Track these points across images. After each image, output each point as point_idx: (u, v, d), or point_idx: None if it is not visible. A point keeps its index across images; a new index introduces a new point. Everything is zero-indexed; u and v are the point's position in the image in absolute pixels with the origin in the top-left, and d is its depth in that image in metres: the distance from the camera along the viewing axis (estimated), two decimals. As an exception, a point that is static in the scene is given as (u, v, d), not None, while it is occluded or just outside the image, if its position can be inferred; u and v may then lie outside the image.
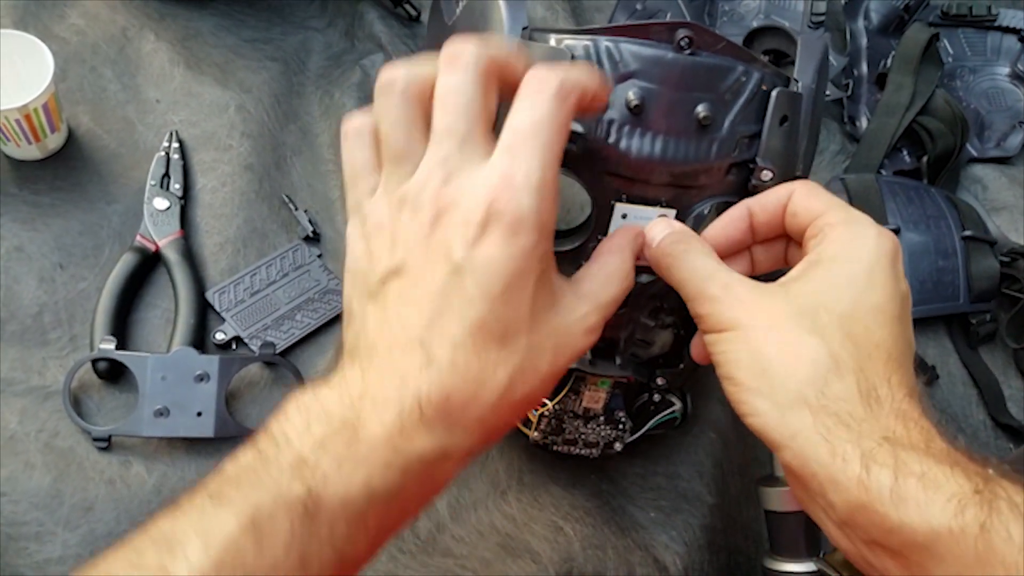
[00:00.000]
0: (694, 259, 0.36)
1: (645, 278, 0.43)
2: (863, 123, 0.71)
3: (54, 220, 0.56)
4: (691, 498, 0.53)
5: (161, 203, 0.57)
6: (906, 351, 0.34)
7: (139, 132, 0.60)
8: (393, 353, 0.32)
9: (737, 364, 0.33)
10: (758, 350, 0.33)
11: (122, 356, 0.51)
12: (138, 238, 0.56)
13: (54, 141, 0.57)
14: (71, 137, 0.59)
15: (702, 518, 0.52)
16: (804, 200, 0.37)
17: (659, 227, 0.39)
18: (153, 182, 0.58)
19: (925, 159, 0.70)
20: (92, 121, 0.60)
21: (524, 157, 0.31)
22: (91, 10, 0.63)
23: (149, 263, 0.56)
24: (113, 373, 0.52)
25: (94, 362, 0.52)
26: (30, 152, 0.56)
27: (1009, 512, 0.28)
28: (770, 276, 0.37)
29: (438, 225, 0.32)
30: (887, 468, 0.29)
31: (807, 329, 0.33)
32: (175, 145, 0.59)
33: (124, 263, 0.55)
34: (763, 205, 0.39)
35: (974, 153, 0.73)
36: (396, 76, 0.33)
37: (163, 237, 0.56)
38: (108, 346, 0.51)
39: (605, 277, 0.36)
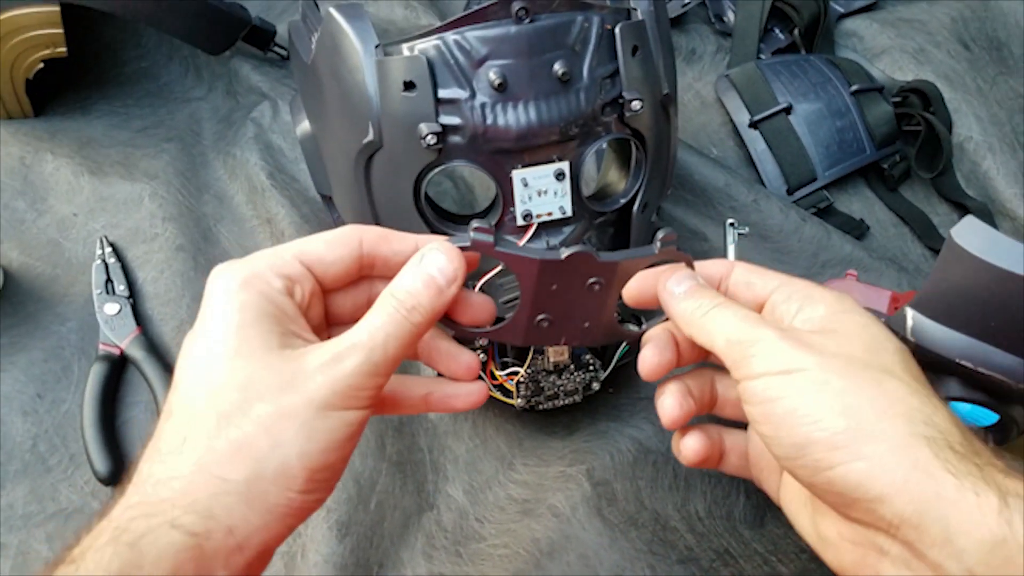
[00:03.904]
0: (734, 310, 0.33)
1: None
2: (730, 17, 0.74)
3: (17, 356, 0.58)
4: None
5: (112, 308, 0.59)
6: None
7: (67, 249, 0.62)
8: None
9: (819, 408, 0.29)
10: (844, 390, 0.29)
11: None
12: (100, 347, 0.58)
13: (-9, 284, 0.59)
14: (7, 275, 0.60)
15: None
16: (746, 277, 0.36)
17: (681, 282, 0.36)
18: (98, 291, 0.60)
19: (796, 31, 0.73)
20: (22, 254, 0.61)
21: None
22: (-17, 149, 0.64)
23: (118, 367, 0.58)
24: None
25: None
26: (-28, 302, 0.58)
27: None
28: None
29: None
30: (1020, 499, 0.27)
31: (880, 368, 0.30)
32: (108, 250, 0.61)
33: (95, 375, 0.57)
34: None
35: (840, 10, 0.76)
36: None
37: (123, 339, 0.58)
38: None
39: None
